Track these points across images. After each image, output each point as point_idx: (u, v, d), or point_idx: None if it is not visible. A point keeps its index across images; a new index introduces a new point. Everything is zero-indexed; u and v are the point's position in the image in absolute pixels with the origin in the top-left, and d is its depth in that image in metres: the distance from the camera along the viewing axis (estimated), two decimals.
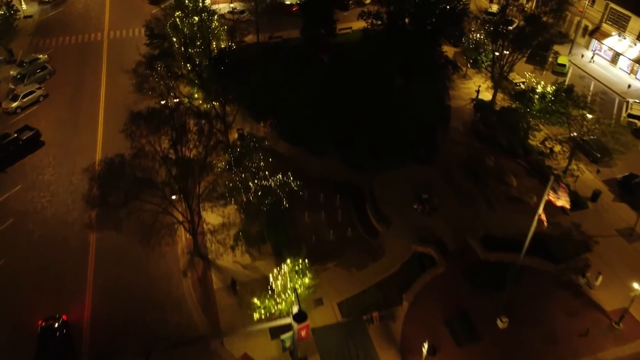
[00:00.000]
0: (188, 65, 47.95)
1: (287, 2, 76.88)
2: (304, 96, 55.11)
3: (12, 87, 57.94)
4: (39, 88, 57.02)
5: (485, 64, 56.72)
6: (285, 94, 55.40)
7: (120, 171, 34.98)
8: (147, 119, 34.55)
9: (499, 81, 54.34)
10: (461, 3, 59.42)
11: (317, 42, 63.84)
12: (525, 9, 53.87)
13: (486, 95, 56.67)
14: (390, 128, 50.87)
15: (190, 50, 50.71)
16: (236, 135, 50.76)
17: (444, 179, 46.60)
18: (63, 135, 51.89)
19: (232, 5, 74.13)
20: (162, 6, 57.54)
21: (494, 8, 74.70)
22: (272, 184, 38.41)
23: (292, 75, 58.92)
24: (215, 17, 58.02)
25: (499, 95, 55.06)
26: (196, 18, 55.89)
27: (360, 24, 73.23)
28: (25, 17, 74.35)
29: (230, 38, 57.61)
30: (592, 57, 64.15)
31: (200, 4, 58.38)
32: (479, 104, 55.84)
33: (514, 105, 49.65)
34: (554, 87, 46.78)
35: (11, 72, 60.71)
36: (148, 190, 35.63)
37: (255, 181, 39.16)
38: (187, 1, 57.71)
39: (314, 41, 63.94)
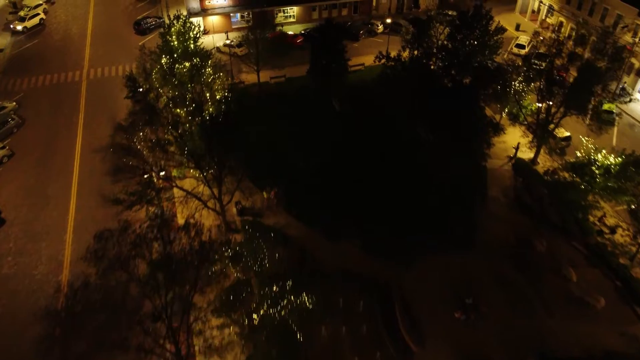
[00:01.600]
0: (174, 132, 39.51)
1: (291, 33, 68.54)
2: (314, 157, 46.90)
3: None
4: (2, 147, 48.55)
5: (526, 114, 48.48)
6: (291, 154, 47.15)
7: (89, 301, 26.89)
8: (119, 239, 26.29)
9: (543, 137, 46.19)
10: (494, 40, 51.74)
11: (327, 84, 55.48)
12: (576, 51, 45.49)
13: (525, 151, 48.53)
14: (418, 200, 42.74)
15: (178, 111, 42.41)
16: (234, 210, 42.47)
17: (487, 271, 38.42)
18: (28, 210, 43.39)
19: (228, 40, 65.54)
20: (147, 51, 48.63)
21: (523, 39, 66.63)
22: (283, 312, 30.05)
23: (299, 130, 50.70)
24: (210, 62, 49.62)
25: (542, 154, 46.88)
26: (187, 64, 47.53)
27: (372, 59, 65.41)
28: None
29: (227, 87, 49.71)
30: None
31: (192, 45, 50.03)
32: (518, 164, 47.67)
33: (568, 176, 41.45)
34: (619, 159, 38.62)
35: None
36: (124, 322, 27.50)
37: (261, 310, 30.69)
38: (175, 42, 49.32)
39: (322, 83, 55.58)
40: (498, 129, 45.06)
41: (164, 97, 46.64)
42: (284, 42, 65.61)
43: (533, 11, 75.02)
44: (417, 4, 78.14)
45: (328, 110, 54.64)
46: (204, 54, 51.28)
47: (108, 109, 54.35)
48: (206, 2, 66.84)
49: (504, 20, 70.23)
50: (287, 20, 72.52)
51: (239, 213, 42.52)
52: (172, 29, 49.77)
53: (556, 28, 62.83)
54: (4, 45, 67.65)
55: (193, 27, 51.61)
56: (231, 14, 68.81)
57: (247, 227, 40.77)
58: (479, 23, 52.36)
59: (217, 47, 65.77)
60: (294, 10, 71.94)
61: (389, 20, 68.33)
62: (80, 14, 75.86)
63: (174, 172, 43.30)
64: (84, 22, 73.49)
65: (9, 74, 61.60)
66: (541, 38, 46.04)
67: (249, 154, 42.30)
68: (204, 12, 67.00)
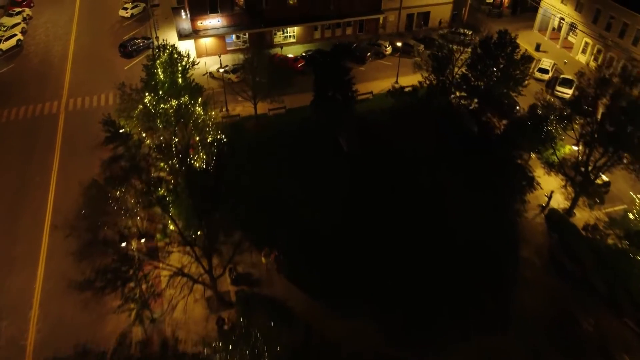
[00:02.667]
0: (155, 194, 33.54)
1: (290, 56, 62.60)
2: (320, 211, 41.01)
3: None
4: None
5: (560, 157, 42.54)
6: (293, 208, 41.21)
7: None
8: None
9: (583, 186, 40.32)
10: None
11: (332, 119, 49.57)
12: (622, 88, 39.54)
13: (558, 198, 42.73)
14: (442, 267, 36.94)
15: (162, 165, 36.49)
16: (228, 279, 36.57)
17: (525, 356, 32.59)
18: None
19: (222, 67, 59.54)
20: (128, 89, 42.61)
21: (546, 62, 60.78)
22: None
23: (302, 176, 44.80)
24: (200, 100, 43.73)
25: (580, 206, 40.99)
26: (174, 103, 41.56)
27: (381, 86, 59.55)
28: None
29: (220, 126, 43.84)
30: None
31: (180, 80, 44.13)
32: (552, 216, 41.84)
33: (612, 236, 35.66)
34: None
35: None
36: None
37: None
38: (160, 75, 43.45)
39: (327, 118, 49.66)
40: (533, 184, 39.14)
41: (148, 142, 40.76)
42: (283, 67, 59.78)
43: (553, 29, 69.17)
44: (427, 21, 72.27)
45: (334, 151, 48.70)
46: (195, 88, 45.50)
47: (87, 149, 48.30)
48: (198, 23, 60.87)
49: (522, 39, 64.16)
50: (287, 41, 66.60)
51: (234, 282, 36.65)
52: (157, 60, 43.91)
53: (604, 65, 56.36)
54: None
55: (182, 57, 45.84)
56: (225, 36, 62.82)
57: (242, 301, 34.94)
58: (503, 51, 46.64)
59: (210, 73, 59.84)
60: (294, 30, 66.02)
61: (399, 44, 62.40)
62: (61, 34, 69.80)
63: (158, 237, 37.41)
64: (66, 43, 67.45)
65: None
66: (588, 80, 39.78)
67: (244, 208, 36.47)
68: (195, 34, 61.07)
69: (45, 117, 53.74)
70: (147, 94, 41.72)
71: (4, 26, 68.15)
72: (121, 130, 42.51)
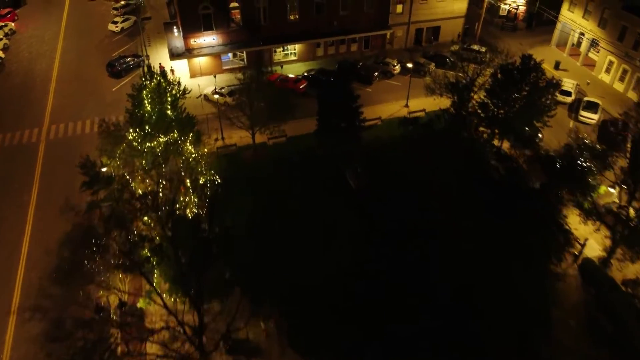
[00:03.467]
0: (141, 251, 29.12)
1: (291, 76, 58.07)
2: (326, 265, 36.43)
3: None
4: None
5: (595, 200, 38.01)
6: (296, 260, 36.61)
7: None
8: None
9: (623, 235, 35.71)
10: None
11: (338, 152, 45.09)
12: None
13: (592, 244, 38.20)
14: (463, 329, 32.41)
15: (146, 219, 31.91)
16: (223, 349, 32.01)
17: None
18: None
19: (217, 91, 55.00)
20: (112, 125, 37.98)
21: (568, 84, 56.26)
22: None
23: (305, 221, 40.23)
24: (191, 135, 39.29)
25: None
26: (162, 139, 37.02)
27: (390, 109, 55.03)
28: None
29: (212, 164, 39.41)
30: None
31: (170, 112, 39.72)
32: (586, 267, 37.32)
33: None
34: None
35: None
36: None
37: None
38: (147, 103, 39.02)
39: (333, 150, 45.18)
40: (570, 241, 34.54)
41: (133, 184, 36.18)
42: (284, 88, 55.34)
43: (573, 45, 64.62)
44: (437, 36, 67.76)
45: (341, 187, 44.16)
46: (186, 121, 41.07)
47: (67, 185, 43.70)
48: (191, 41, 56.30)
49: (538, 54, 59.74)
50: (288, 59, 62.06)
51: (229, 351, 32.11)
52: (144, 90, 39.42)
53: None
54: None
55: (172, 86, 41.40)
56: (222, 54, 58.23)
57: None
58: (526, 77, 42.19)
59: (205, 95, 55.29)
60: (295, 48, 61.47)
61: (409, 65, 57.84)
62: (46, 50, 65.21)
63: (140, 303, 32.81)
64: (50, 61, 62.83)
65: None
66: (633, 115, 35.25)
67: (239, 261, 32.00)
68: (189, 52, 56.51)
69: (24, 146, 49.12)
70: (131, 129, 37.19)
71: None
72: (103, 169, 37.90)
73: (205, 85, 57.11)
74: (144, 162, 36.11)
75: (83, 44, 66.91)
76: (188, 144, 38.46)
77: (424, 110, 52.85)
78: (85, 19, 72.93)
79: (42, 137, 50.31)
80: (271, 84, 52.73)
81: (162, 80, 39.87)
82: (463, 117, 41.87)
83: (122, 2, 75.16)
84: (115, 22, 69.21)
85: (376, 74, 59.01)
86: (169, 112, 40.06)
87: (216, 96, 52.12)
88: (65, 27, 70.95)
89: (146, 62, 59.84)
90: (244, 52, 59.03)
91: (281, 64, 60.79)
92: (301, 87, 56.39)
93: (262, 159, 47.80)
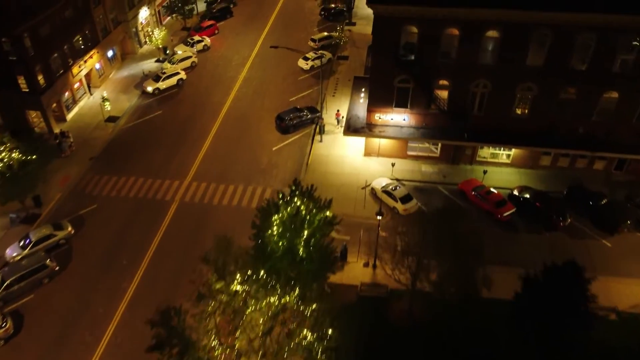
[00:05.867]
0: None
1: (494, 191, 41.64)
2: None
3: None
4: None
5: None
6: None
7: None
8: None
9: None
10: None
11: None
12: None
13: None
14: None
15: None
16: None
17: None
18: None
19: (388, 188, 41.69)
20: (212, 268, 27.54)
21: None
22: None
23: None
24: (314, 287, 27.02)
25: None
26: (273, 300, 25.33)
27: (637, 294, 35.18)
28: (108, 119, 52.35)
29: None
30: None
31: (301, 250, 27.94)
32: None
33: None
34: None
35: None
36: None
37: None
38: (275, 234, 27.92)
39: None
40: None
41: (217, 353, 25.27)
42: (479, 206, 39.82)
43: None
44: None
45: None
46: (322, 263, 28.91)
47: (177, 275, 35.45)
48: (376, 116, 43.74)
49: None
50: (496, 160, 45.55)
51: None
52: (276, 215, 28.10)
53: None
54: (124, 112, 53.94)
55: (318, 211, 29.30)
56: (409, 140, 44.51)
57: None
58: None
59: (372, 189, 42.47)
60: (511, 149, 44.62)
61: None
62: (227, 79, 59.35)
63: None
64: (225, 95, 56.47)
65: (102, 163, 46.93)
66: None
67: None
68: (368, 129, 44.10)
69: (156, 203, 42.50)
70: (238, 275, 26.13)
71: (173, 60, 60.16)
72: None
73: (378, 172, 44.37)
74: (238, 333, 24.94)
75: (267, 77, 59.49)
76: (310, 308, 26.11)
77: None
78: (281, 44, 65.18)
79: (177, 197, 43.11)
80: (462, 195, 38.06)
81: (302, 207, 28.02)
82: None
83: (325, 34, 66.24)
84: (306, 59, 60.34)
85: (628, 222, 39.07)
86: (300, 249, 28.25)
87: (385, 189, 39.30)
88: (257, 53, 64.59)
89: (321, 122, 49.47)
90: (439, 143, 44.47)
91: (484, 170, 44.34)
92: (505, 214, 39.76)
93: (421, 321, 33.10)
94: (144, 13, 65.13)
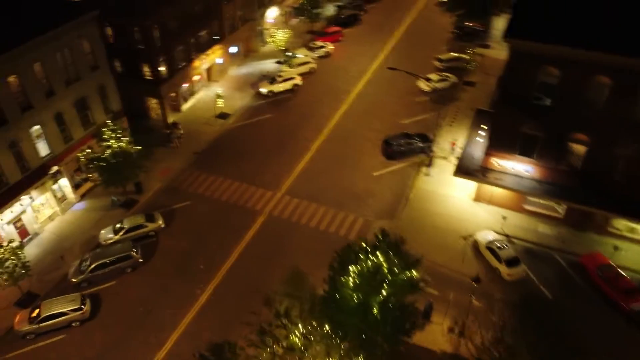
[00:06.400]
0: None
1: (625, 276, 34.65)
2: None
3: None
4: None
5: None
6: None
7: None
8: None
9: None
10: None
11: None
12: None
13: None
14: None
15: None
16: None
17: None
18: None
19: (496, 246, 36.71)
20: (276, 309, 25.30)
21: None
22: None
23: None
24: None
25: None
26: None
27: None
28: (219, 116, 52.85)
29: None
30: None
31: (375, 309, 24.75)
32: None
33: None
34: None
35: None
36: None
37: None
38: (349, 285, 25.19)
39: None
40: None
41: None
42: (605, 293, 33.45)
43: None
44: None
45: None
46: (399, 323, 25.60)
47: (245, 297, 34.06)
48: (493, 161, 38.68)
49: None
50: (633, 235, 38.07)
51: None
52: (351, 268, 25.13)
53: None
54: (235, 110, 54.22)
55: (405, 268, 25.80)
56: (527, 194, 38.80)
57: None
58: None
59: (475, 242, 37.69)
60: None
61: None
62: (339, 92, 57.19)
63: None
64: (334, 109, 54.32)
65: (203, 160, 47.30)
66: None
67: None
68: (482, 175, 39.17)
69: (244, 210, 41.65)
70: (300, 325, 23.67)
71: (291, 63, 59.46)
72: None
73: (486, 222, 39.40)
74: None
75: (381, 95, 56.39)
76: None
77: None
78: (404, 60, 61.85)
79: (267, 209, 41.87)
80: (583, 270, 32.11)
81: (384, 265, 24.68)
82: None
83: (454, 54, 61.36)
84: (429, 80, 56.06)
85: None
86: (374, 308, 24.99)
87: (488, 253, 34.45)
88: (376, 68, 61.66)
89: (431, 154, 45.45)
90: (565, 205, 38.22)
91: (618, 240, 37.33)
92: (636, 307, 32.78)
93: None
94: (272, 13, 65.26)
